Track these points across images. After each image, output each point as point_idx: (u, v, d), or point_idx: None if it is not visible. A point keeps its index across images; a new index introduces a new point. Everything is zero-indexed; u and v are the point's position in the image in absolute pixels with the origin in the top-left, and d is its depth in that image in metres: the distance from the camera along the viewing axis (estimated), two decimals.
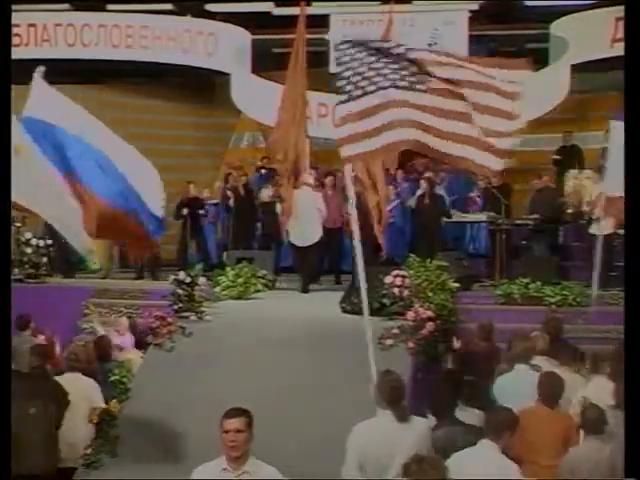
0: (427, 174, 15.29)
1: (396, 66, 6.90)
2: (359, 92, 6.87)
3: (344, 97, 6.90)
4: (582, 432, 6.12)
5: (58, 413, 7.32)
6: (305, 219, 12.70)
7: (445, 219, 14.21)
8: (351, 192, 7.68)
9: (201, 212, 15.33)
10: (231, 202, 14.57)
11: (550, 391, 6.59)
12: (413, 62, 6.87)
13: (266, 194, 14.67)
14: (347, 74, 6.94)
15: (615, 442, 5.76)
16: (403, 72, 6.85)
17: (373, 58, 6.94)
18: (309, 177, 13.26)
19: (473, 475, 5.20)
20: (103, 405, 7.96)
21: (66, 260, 14.27)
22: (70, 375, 7.82)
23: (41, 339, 9.68)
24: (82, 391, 7.73)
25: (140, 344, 9.96)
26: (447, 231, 14.65)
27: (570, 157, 15.43)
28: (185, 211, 14.81)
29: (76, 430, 7.68)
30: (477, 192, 14.90)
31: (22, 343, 8.79)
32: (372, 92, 6.85)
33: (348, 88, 6.89)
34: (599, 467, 5.74)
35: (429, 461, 4.75)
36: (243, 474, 5.03)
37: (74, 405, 7.54)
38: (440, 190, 14.62)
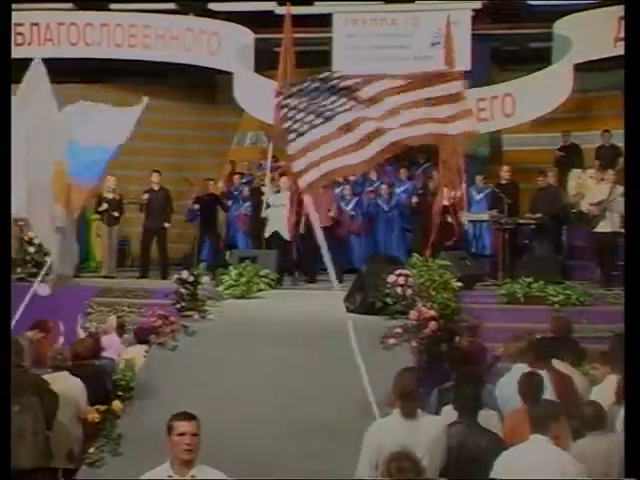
0: (426, 173, 15.37)
1: (334, 97, 7.56)
2: (306, 127, 7.37)
3: (292, 135, 7.36)
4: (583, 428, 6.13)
5: (46, 409, 7.31)
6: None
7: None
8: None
9: (229, 204, 15.51)
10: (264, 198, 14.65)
11: (530, 391, 6.57)
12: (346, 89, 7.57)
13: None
14: (291, 114, 7.47)
15: (615, 437, 5.79)
16: (341, 100, 7.42)
17: (314, 94, 7.45)
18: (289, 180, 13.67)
19: (530, 470, 5.20)
20: (86, 406, 7.96)
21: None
22: (57, 374, 7.82)
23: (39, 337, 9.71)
24: (69, 390, 7.72)
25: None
26: None
27: (572, 156, 15.44)
28: (196, 206, 14.86)
29: (62, 429, 7.66)
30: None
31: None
32: (320, 124, 7.39)
33: (295, 127, 7.39)
34: (599, 462, 5.75)
35: (407, 457, 4.75)
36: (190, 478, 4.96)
37: (61, 404, 7.53)
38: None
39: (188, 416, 5.03)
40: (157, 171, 14.78)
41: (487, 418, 6.45)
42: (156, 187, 14.63)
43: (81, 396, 7.89)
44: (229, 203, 15.85)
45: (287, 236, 13.41)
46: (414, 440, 5.54)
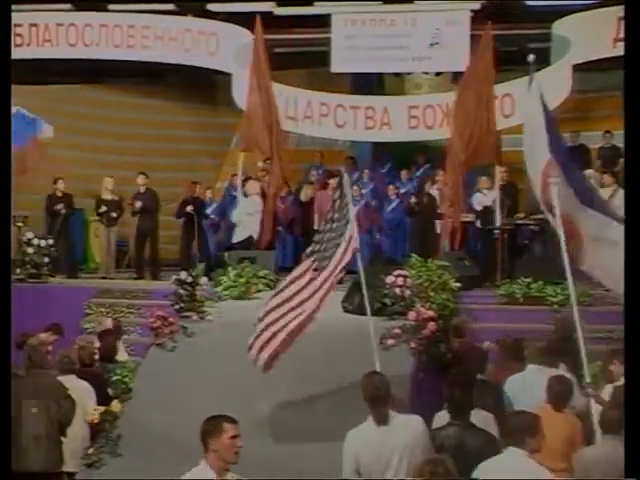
0: (422, 174, 15.40)
1: None
2: None
3: None
4: (599, 432, 6.12)
5: (62, 416, 7.30)
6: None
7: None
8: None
9: (208, 212, 15.41)
10: None
11: (559, 394, 6.56)
12: None
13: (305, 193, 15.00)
14: None
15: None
16: None
17: None
18: (256, 185, 13.90)
19: None
20: (94, 409, 7.95)
21: (67, 260, 14.34)
22: (63, 378, 7.81)
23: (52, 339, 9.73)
24: (77, 393, 7.71)
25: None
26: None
27: (579, 157, 15.42)
28: (190, 208, 14.81)
29: (70, 432, 7.66)
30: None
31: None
32: None
33: None
34: (615, 467, 5.71)
35: (442, 463, 4.76)
36: None
37: None
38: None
39: (233, 419, 4.98)
40: (143, 173, 14.84)
41: (484, 419, 6.45)
42: (142, 189, 14.67)
43: (89, 399, 7.88)
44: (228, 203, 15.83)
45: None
46: (388, 446, 5.52)
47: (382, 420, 5.65)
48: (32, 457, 7.00)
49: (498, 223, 13.29)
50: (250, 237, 13.64)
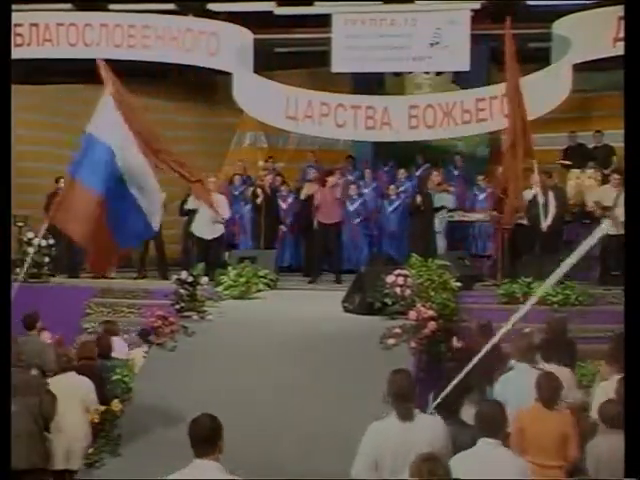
0: (419, 173, 15.41)
1: None
2: None
3: None
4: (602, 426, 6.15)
5: (44, 411, 7.30)
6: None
7: (449, 219, 14.30)
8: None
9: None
10: (259, 201, 14.62)
11: (549, 392, 6.56)
12: None
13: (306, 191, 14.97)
14: None
15: None
16: None
17: None
18: (211, 184, 13.79)
19: (482, 475, 5.13)
20: (97, 404, 7.97)
21: (68, 260, 14.33)
22: (64, 375, 7.83)
23: (46, 337, 9.72)
24: (76, 390, 7.73)
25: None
26: (450, 230, 14.68)
27: (578, 157, 15.43)
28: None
29: (71, 430, 7.68)
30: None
31: (27, 343, 8.80)
32: None
33: None
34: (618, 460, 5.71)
35: (440, 461, 4.74)
36: None
37: (69, 404, 7.54)
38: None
39: None
40: None
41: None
42: None
43: (89, 394, 7.90)
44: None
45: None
46: (409, 442, 5.50)
47: (406, 416, 5.64)
48: (15, 455, 6.97)
49: (548, 222, 12.94)
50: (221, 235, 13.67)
